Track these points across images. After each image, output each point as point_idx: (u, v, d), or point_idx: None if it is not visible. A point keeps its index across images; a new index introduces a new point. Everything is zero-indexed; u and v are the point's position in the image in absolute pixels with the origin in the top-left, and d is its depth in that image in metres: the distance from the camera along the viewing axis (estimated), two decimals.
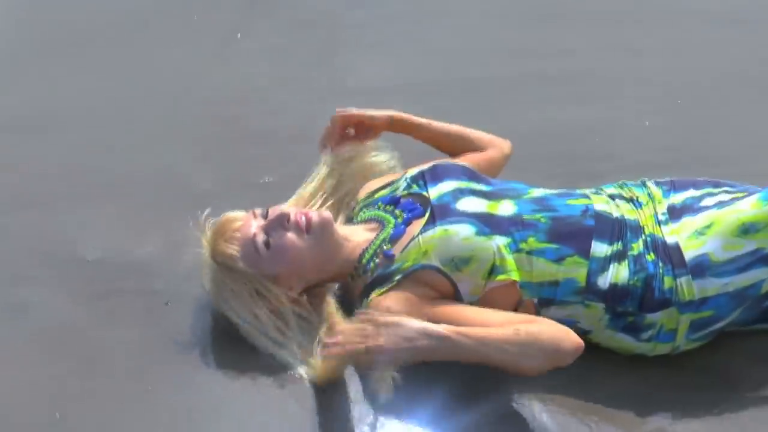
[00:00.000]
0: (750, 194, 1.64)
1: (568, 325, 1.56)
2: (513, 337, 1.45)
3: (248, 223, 1.66)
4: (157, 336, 1.74)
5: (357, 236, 1.72)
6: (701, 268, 1.57)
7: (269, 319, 1.63)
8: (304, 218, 1.64)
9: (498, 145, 1.98)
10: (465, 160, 1.89)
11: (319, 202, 1.86)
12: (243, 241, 1.64)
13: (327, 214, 1.68)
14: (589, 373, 1.62)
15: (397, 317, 1.46)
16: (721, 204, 1.64)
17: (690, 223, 1.62)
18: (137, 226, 2.05)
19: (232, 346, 1.68)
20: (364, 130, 1.93)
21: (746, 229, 1.57)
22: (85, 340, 1.74)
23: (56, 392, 1.62)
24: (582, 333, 1.59)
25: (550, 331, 1.48)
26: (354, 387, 1.60)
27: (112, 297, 1.84)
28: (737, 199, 1.64)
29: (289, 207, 1.71)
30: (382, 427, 1.53)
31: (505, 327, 1.47)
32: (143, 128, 2.49)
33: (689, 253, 1.58)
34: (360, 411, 1.56)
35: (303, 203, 1.84)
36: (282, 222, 1.64)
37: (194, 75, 2.76)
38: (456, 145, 1.95)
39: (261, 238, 1.63)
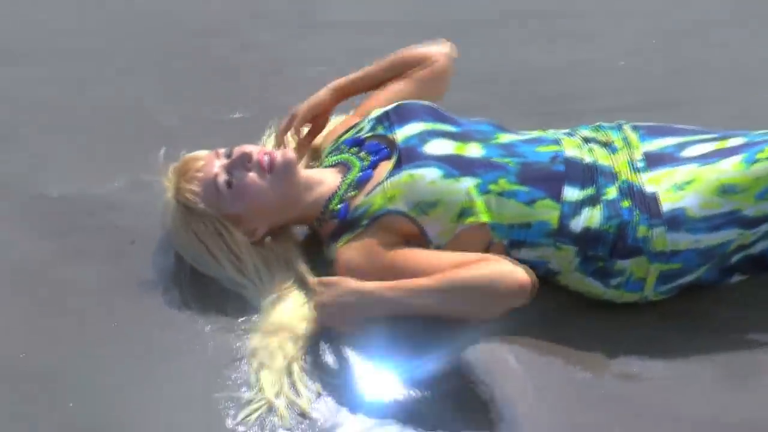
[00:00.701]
0: (733, 151, 1.62)
1: (538, 266, 1.58)
2: (447, 284, 1.46)
3: (211, 162, 1.63)
4: (122, 274, 1.71)
5: (322, 179, 1.69)
6: (677, 221, 1.56)
7: (228, 261, 1.62)
8: (267, 158, 1.61)
9: (437, 53, 1.89)
10: (413, 83, 1.84)
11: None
12: (204, 180, 1.62)
13: (291, 154, 1.64)
14: (558, 314, 1.64)
15: (336, 278, 1.52)
16: (703, 159, 1.62)
17: (670, 174, 1.61)
18: (102, 162, 2.00)
19: (197, 285, 1.67)
20: (318, 119, 1.87)
21: (725, 190, 1.57)
22: (47, 278, 1.71)
23: (19, 330, 1.59)
24: (551, 274, 1.61)
25: (490, 272, 1.45)
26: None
27: (75, 234, 1.81)
28: (720, 153, 1.62)
29: (253, 146, 1.66)
30: (348, 381, 1.53)
31: (444, 275, 1.47)
32: (110, 61, 2.41)
33: (666, 205, 1.58)
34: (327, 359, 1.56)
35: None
36: (244, 162, 1.61)
37: (163, 9, 2.66)
38: (400, 73, 1.88)
39: (223, 177, 1.60)
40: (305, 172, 1.69)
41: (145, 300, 1.66)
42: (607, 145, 1.69)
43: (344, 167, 1.71)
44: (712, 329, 1.63)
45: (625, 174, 1.63)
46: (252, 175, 1.60)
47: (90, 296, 1.67)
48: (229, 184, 1.60)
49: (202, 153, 1.68)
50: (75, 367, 1.53)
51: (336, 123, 1.95)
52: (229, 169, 1.61)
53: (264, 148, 1.68)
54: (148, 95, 2.25)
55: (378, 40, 2.29)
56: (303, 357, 1.53)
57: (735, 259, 1.64)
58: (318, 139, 1.90)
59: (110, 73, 2.36)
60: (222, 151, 1.65)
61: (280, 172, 1.61)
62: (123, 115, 2.17)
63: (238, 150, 1.63)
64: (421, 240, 1.57)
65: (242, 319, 1.60)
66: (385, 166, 1.63)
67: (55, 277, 1.71)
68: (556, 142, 1.68)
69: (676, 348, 1.59)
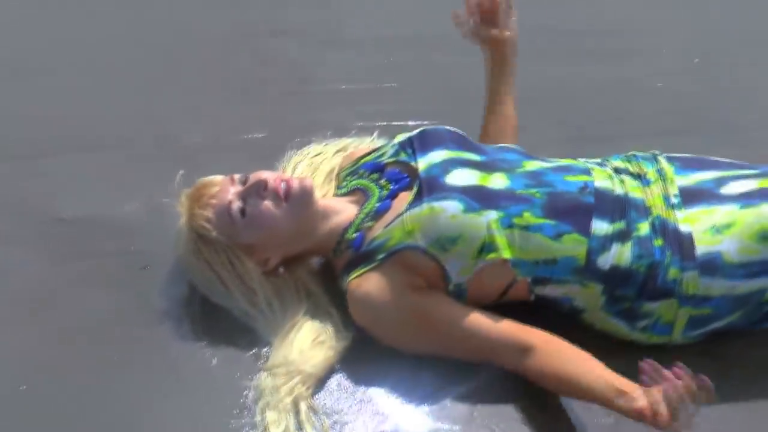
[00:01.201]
0: None
1: (562, 304, 1.54)
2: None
3: (225, 189, 1.58)
4: (132, 302, 1.67)
5: (340, 209, 1.63)
6: (712, 266, 1.49)
7: (239, 292, 1.58)
8: (283, 185, 1.55)
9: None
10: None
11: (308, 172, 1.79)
12: (218, 208, 1.57)
13: (308, 181, 1.58)
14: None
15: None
16: (744, 200, 1.53)
17: (707, 213, 1.53)
18: (119, 183, 1.97)
19: (209, 315, 1.62)
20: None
21: (765, 236, 1.49)
22: (57, 305, 1.67)
23: (24, 362, 1.55)
24: (576, 312, 1.56)
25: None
26: None
27: (88, 259, 1.77)
28: (763, 193, 1.54)
29: (270, 173, 1.61)
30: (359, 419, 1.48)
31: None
32: (131, 77, 2.39)
33: (702, 248, 1.50)
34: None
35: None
36: (259, 189, 1.56)
37: (183, 25, 2.64)
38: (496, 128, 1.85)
39: (237, 205, 1.56)
40: (322, 201, 1.63)
41: (154, 330, 1.61)
42: (639, 176, 1.62)
43: (362, 194, 1.65)
44: (745, 373, 1.56)
45: (659, 209, 1.55)
46: (267, 204, 1.55)
47: (97, 325, 1.63)
48: (242, 212, 1.55)
49: (217, 178, 1.63)
50: (78, 399, 1.49)
51: (355, 145, 1.92)
52: (243, 196, 1.56)
53: (281, 174, 1.63)
54: (168, 114, 2.22)
55: (403, 55, 2.23)
56: (311, 395, 1.48)
57: None
58: (335, 159, 1.85)
59: (129, 90, 2.34)
60: (237, 177, 1.60)
61: (296, 201, 1.56)
62: (142, 134, 2.15)
63: (253, 177, 1.59)
64: (441, 278, 1.51)
65: (252, 352, 1.56)
66: (405, 197, 1.57)
67: (64, 303, 1.67)
68: (586, 171, 1.60)
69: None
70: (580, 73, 2.40)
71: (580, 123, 2.18)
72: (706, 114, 2.22)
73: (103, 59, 2.47)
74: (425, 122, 2.12)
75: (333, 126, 2.11)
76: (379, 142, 1.98)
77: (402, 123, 2.17)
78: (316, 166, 1.85)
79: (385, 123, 2.16)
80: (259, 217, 1.54)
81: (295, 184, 1.56)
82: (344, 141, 1.96)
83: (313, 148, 1.93)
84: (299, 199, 1.55)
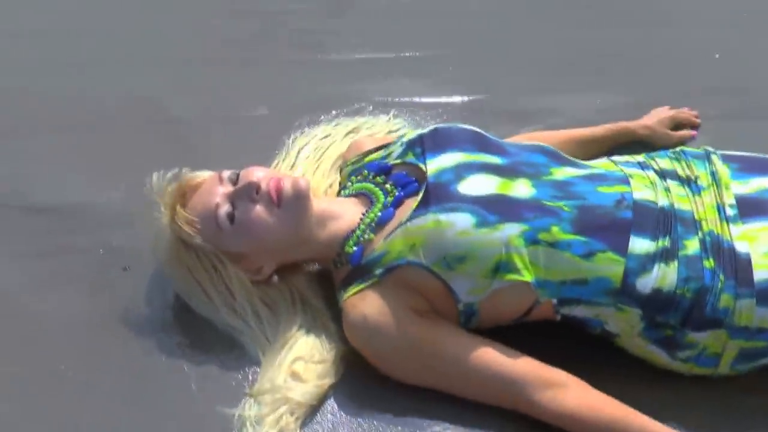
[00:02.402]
0: None
1: (593, 326, 1.41)
2: None
3: (212, 189, 1.44)
4: (107, 308, 1.52)
5: (340, 213, 1.47)
6: None
7: (223, 302, 1.45)
8: (276, 192, 1.40)
9: None
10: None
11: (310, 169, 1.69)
12: (203, 211, 1.42)
13: (303, 183, 1.42)
14: (619, 384, 1.37)
15: None
16: None
17: None
18: (98, 167, 1.81)
19: (192, 328, 1.48)
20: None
21: None
22: (21, 308, 1.52)
23: None
24: (608, 336, 1.43)
25: None
26: None
27: (58, 255, 1.62)
28: None
29: (263, 172, 1.45)
30: None
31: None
32: (111, 46, 2.21)
33: (761, 273, 1.33)
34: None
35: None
36: (250, 192, 1.40)
37: None
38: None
39: (224, 210, 1.41)
40: (320, 205, 1.47)
41: (129, 343, 1.47)
42: (689, 182, 1.46)
43: (366, 199, 1.49)
44: None
45: (711, 223, 1.39)
46: (258, 209, 1.40)
47: (66, 333, 1.48)
48: (231, 218, 1.41)
49: (205, 174, 1.50)
50: (39, 416, 1.36)
51: (368, 126, 1.83)
52: (232, 199, 1.41)
53: (276, 173, 1.47)
54: (155, 88, 2.05)
55: (415, 23, 2.03)
56: (299, 427, 1.34)
57: None
58: (346, 142, 1.75)
59: (112, 61, 2.17)
60: (226, 174, 1.45)
61: (290, 207, 1.40)
62: (126, 111, 1.99)
63: (244, 175, 1.43)
64: (448, 297, 1.36)
65: (238, 373, 1.41)
66: (410, 204, 1.41)
67: (30, 306, 1.53)
68: (624, 180, 1.44)
69: (757, 425, 1.38)
70: (622, 38, 2.24)
71: (621, 93, 2.03)
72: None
73: (80, 24, 2.30)
74: (450, 98, 2.06)
75: (344, 102, 1.99)
76: (396, 124, 1.90)
77: (423, 99, 2.04)
78: (323, 150, 1.75)
79: (406, 99, 2.03)
80: (248, 225, 1.40)
81: (287, 187, 1.40)
82: (357, 121, 1.87)
83: (322, 129, 1.84)
84: (293, 205, 1.40)
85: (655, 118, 1.85)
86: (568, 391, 1.31)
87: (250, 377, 1.40)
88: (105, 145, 1.87)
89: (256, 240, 1.41)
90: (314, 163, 1.73)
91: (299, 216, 1.41)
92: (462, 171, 1.41)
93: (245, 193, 1.40)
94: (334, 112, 1.94)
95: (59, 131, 1.91)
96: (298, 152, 1.74)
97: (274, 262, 1.45)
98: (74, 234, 1.66)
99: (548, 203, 1.37)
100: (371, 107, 1.97)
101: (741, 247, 1.35)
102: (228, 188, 1.43)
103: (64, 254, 1.62)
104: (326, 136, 1.79)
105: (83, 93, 2.03)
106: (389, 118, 1.90)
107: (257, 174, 1.42)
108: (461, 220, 1.33)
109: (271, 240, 1.42)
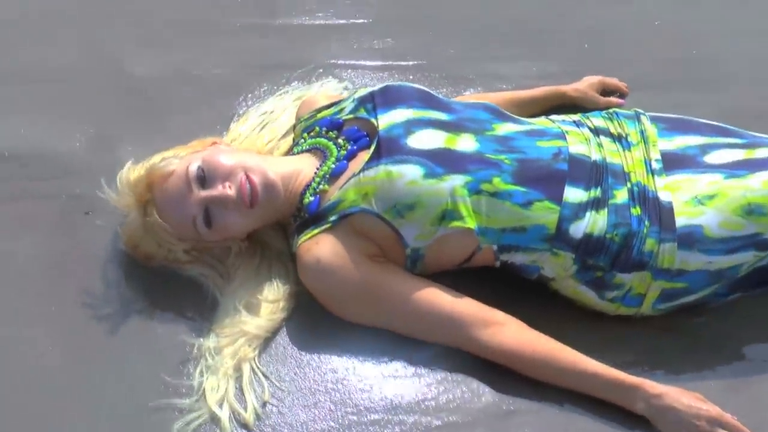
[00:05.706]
0: (764, 165, 1.45)
1: (531, 272, 1.48)
2: None
3: (183, 197, 1.42)
4: (70, 251, 1.56)
5: (297, 170, 1.51)
6: (691, 239, 1.41)
7: (184, 250, 1.49)
8: (249, 196, 1.41)
9: None
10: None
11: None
12: (180, 219, 1.44)
13: (271, 175, 1.43)
14: (550, 323, 1.45)
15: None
16: (730, 170, 1.46)
17: (690, 182, 1.45)
18: (61, 116, 1.83)
19: (154, 268, 1.52)
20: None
21: (751, 210, 1.41)
22: None
23: None
24: (544, 280, 1.50)
25: None
26: None
27: (22, 199, 1.65)
28: (749, 164, 1.46)
29: (229, 159, 1.44)
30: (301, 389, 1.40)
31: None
32: (79, 4, 2.19)
33: (682, 219, 1.42)
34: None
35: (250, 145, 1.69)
36: (225, 202, 1.42)
37: None
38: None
39: (201, 218, 1.43)
40: (279, 171, 1.48)
41: (93, 284, 1.51)
42: (620, 138, 1.54)
43: (320, 153, 1.54)
44: (712, 344, 1.51)
45: (639, 175, 1.48)
46: (234, 214, 1.43)
47: (30, 274, 1.52)
48: (208, 223, 1.43)
49: (172, 163, 1.46)
50: (3, 358, 1.39)
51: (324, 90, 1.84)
52: (206, 204, 1.42)
53: (242, 163, 1.44)
54: (114, 43, 2.06)
55: None
56: (256, 357, 1.40)
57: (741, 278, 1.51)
58: (294, 109, 1.76)
59: (70, 15, 2.15)
60: (193, 174, 1.42)
61: (263, 203, 1.44)
62: (87, 64, 1.99)
63: (210, 170, 1.42)
64: (396, 242, 1.42)
65: (198, 309, 1.47)
66: (362, 157, 1.46)
67: None
68: (561, 135, 1.52)
69: (674, 361, 1.47)
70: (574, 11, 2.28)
71: (565, 61, 2.08)
72: (699, 63, 2.08)
73: None
74: (405, 62, 2.08)
75: (297, 64, 2.00)
76: (345, 93, 1.89)
77: (372, 62, 2.07)
78: (273, 120, 1.77)
79: (354, 62, 2.05)
80: (225, 227, 1.45)
81: (257, 187, 1.42)
82: (307, 91, 1.88)
83: (270, 102, 1.84)
84: (265, 201, 1.44)
85: (587, 83, 1.91)
86: (507, 329, 1.38)
87: (210, 314, 1.44)
88: (68, 98, 1.88)
89: (233, 235, 1.48)
90: (268, 125, 1.75)
91: (272, 207, 1.45)
92: (411, 126, 1.45)
93: (219, 202, 1.41)
94: (286, 74, 1.95)
95: (23, 83, 1.91)
96: (246, 120, 1.77)
97: (243, 237, 1.51)
98: (38, 180, 1.67)
99: (490, 156, 1.43)
100: (321, 70, 1.98)
101: (665, 196, 1.43)
102: (198, 193, 1.42)
103: (27, 199, 1.64)
104: (273, 112, 1.79)
105: (50, 47, 2.02)
106: (341, 90, 1.90)
107: (223, 169, 1.42)
108: (411, 172, 1.39)
109: (248, 230, 1.48)
